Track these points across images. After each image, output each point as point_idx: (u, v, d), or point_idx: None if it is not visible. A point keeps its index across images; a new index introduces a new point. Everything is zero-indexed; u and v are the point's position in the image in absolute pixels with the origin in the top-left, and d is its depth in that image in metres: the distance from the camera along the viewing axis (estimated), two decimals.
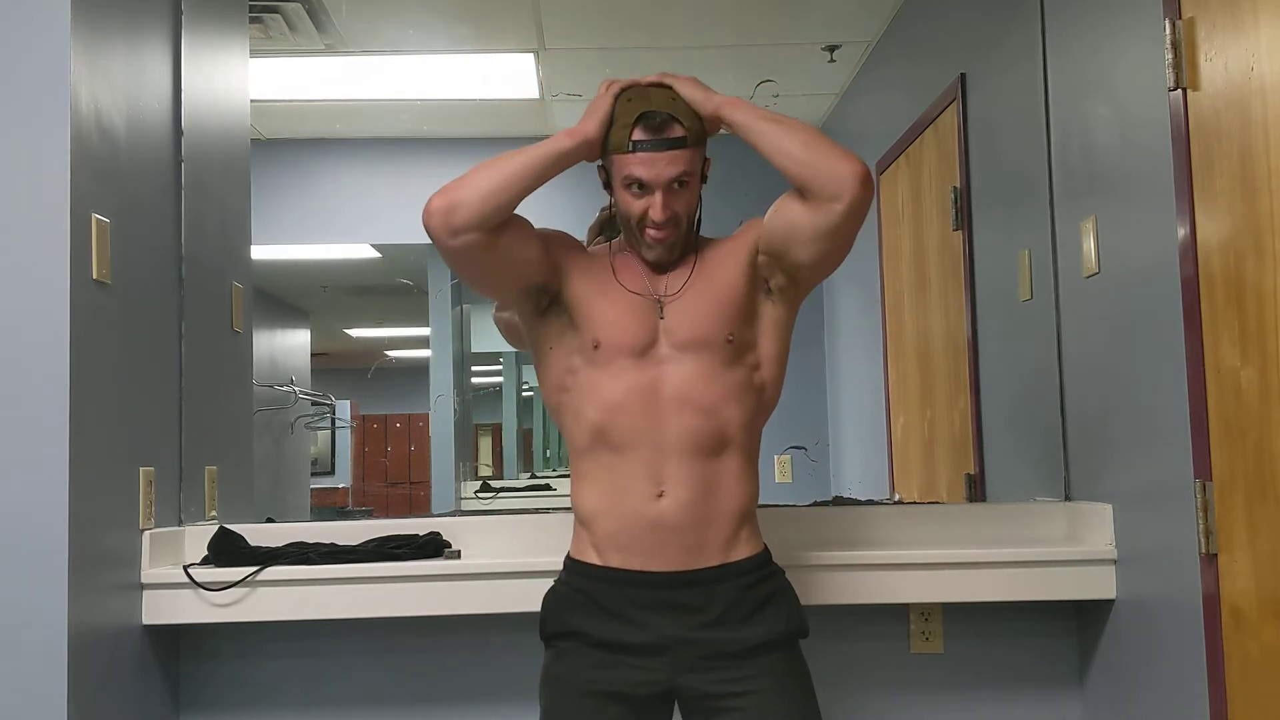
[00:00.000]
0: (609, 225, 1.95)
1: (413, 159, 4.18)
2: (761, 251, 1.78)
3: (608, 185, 1.81)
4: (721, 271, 1.79)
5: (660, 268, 1.80)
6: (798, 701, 1.74)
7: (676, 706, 1.77)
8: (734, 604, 1.73)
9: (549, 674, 1.78)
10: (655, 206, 1.71)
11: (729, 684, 1.70)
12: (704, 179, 1.79)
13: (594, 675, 1.71)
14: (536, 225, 1.80)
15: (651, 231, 1.74)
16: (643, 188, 1.72)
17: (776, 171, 1.71)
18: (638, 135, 1.70)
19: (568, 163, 1.72)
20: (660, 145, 1.70)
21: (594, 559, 1.77)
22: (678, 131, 1.71)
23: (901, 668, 2.38)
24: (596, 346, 1.75)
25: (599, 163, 1.81)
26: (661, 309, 1.77)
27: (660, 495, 1.72)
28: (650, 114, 1.70)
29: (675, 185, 1.71)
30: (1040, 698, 2.37)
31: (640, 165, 1.70)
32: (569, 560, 1.83)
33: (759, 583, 1.77)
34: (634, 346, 1.74)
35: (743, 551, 1.77)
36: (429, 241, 1.72)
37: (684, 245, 1.80)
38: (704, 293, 1.77)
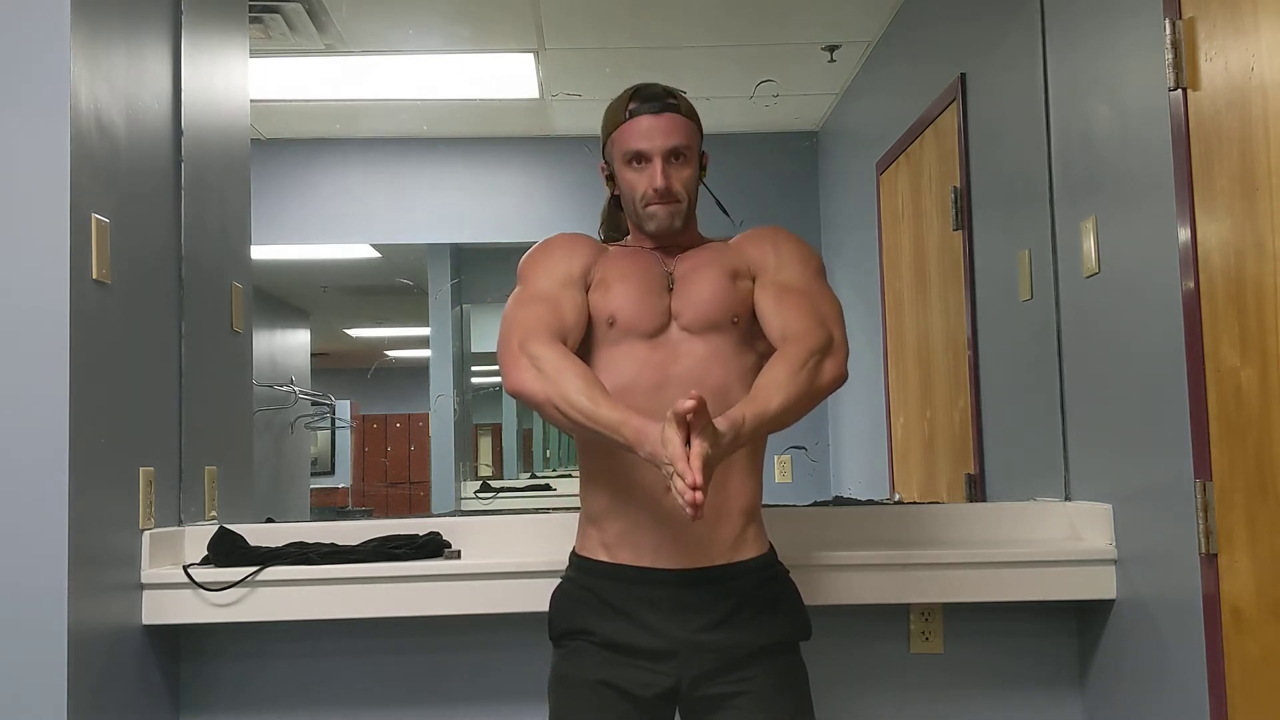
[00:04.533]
0: (610, 225, 1.96)
1: (413, 159, 4.18)
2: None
3: (610, 178, 1.86)
4: (724, 260, 1.82)
5: (667, 250, 1.83)
6: (795, 700, 1.75)
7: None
8: (741, 604, 1.73)
9: (557, 673, 1.78)
10: (655, 174, 1.75)
11: (730, 685, 1.71)
12: (703, 170, 1.85)
13: (603, 673, 1.72)
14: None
15: (653, 206, 1.77)
16: (642, 159, 1.77)
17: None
18: (633, 105, 1.78)
19: (618, 446, 1.61)
20: (656, 109, 1.77)
21: (602, 556, 1.77)
22: (672, 101, 1.78)
23: (901, 668, 2.38)
24: (612, 324, 1.76)
25: (601, 161, 1.86)
26: (671, 279, 1.79)
27: (669, 490, 1.72)
28: (646, 86, 1.79)
29: (673, 157, 1.77)
30: (1040, 698, 2.37)
31: (639, 137, 1.76)
32: (575, 556, 1.83)
33: (765, 583, 1.78)
34: (647, 326, 1.76)
35: (750, 551, 1.77)
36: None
37: (687, 228, 1.83)
38: (708, 275, 1.79)
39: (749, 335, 1.80)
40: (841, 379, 1.74)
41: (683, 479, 1.45)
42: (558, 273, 1.79)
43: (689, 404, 1.46)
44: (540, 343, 1.68)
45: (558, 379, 1.63)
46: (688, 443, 1.48)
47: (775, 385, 1.64)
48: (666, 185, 1.76)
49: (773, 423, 1.63)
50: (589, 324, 1.79)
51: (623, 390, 1.73)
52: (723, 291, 1.78)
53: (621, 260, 1.82)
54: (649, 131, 1.76)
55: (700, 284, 1.79)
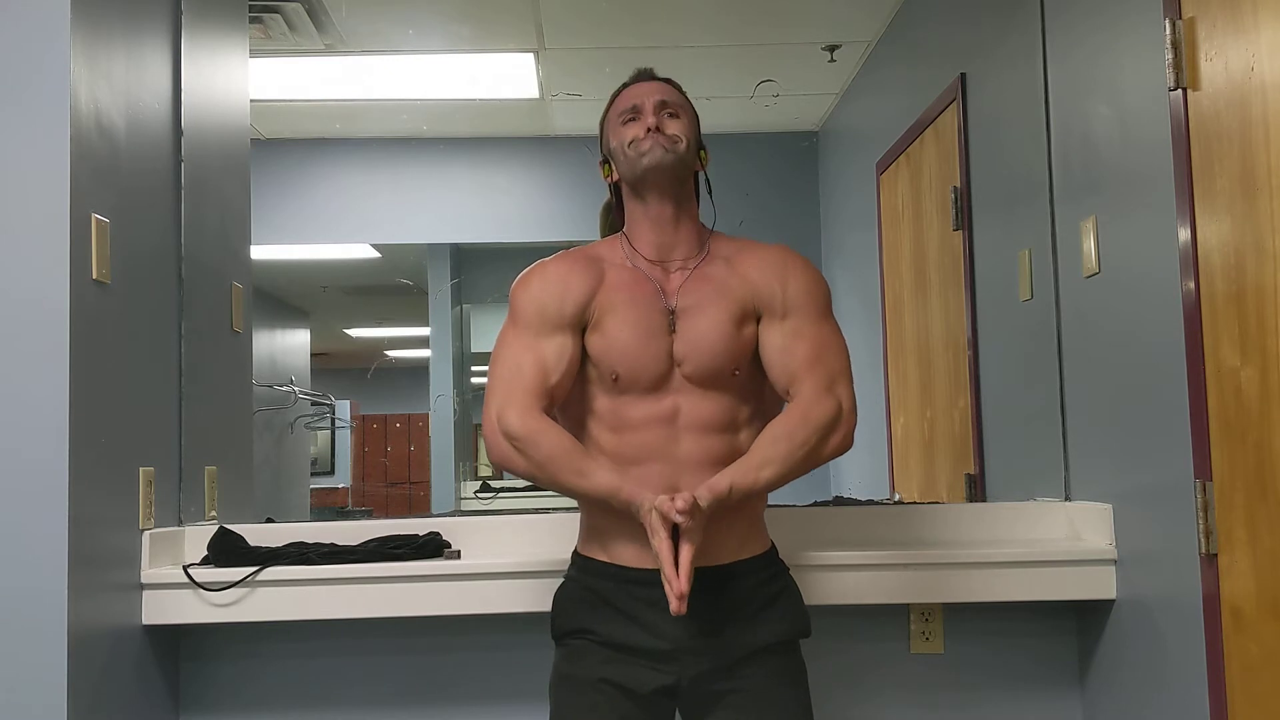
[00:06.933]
0: (608, 227, 1.95)
1: (413, 159, 4.18)
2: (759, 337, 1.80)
3: (609, 169, 1.86)
4: (729, 294, 1.78)
5: (666, 266, 1.79)
6: (795, 699, 1.75)
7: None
8: (742, 602, 1.74)
9: (559, 673, 1.78)
10: (645, 113, 1.77)
11: (730, 682, 1.72)
12: (704, 151, 1.85)
13: (605, 672, 1.72)
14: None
15: (645, 142, 1.75)
16: (634, 111, 1.79)
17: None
18: (626, 82, 1.84)
19: (605, 504, 1.69)
20: (647, 77, 1.84)
21: (602, 556, 1.77)
22: (665, 79, 1.84)
23: (901, 668, 2.38)
24: (615, 379, 1.74)
25: (600, 157, 1.87)
26: (673, 321, 1.76)
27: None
28: (643, 69, 1.85)
29: (666, 114, 1.78)
30: (1040, 698, 2.37)
31: (630, 96, 1.81)
32: (577, 555, 1.83)
33: (766, 582, 1.78)
34: (649, 378, 1.74)
35: (752, 549, 1.78)
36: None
37: (685, 218, 1.81)
38: (712, 319, 1.75)
39: (749, 381, 1.79)
40: (845, 449, 1.77)
41: (668, 584, 1.54)
42: (549, 313, 1.75)
43: (678, 517, 1.55)
44: (516, 414, 1.69)
45: (539, 459, 1.68)
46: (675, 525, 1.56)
47: (770, 457, 1.67)
48: (657, 122, 1.76)
49: (761, 493, 1.70)
50: (591, 360, 1.76)
51: (631, 431, 1.73)
52: (725, 340, 1.74)
53: (620, 291, 1.77)
54: (640, 91, 1.81)
55: (703, 328, 1.75)
